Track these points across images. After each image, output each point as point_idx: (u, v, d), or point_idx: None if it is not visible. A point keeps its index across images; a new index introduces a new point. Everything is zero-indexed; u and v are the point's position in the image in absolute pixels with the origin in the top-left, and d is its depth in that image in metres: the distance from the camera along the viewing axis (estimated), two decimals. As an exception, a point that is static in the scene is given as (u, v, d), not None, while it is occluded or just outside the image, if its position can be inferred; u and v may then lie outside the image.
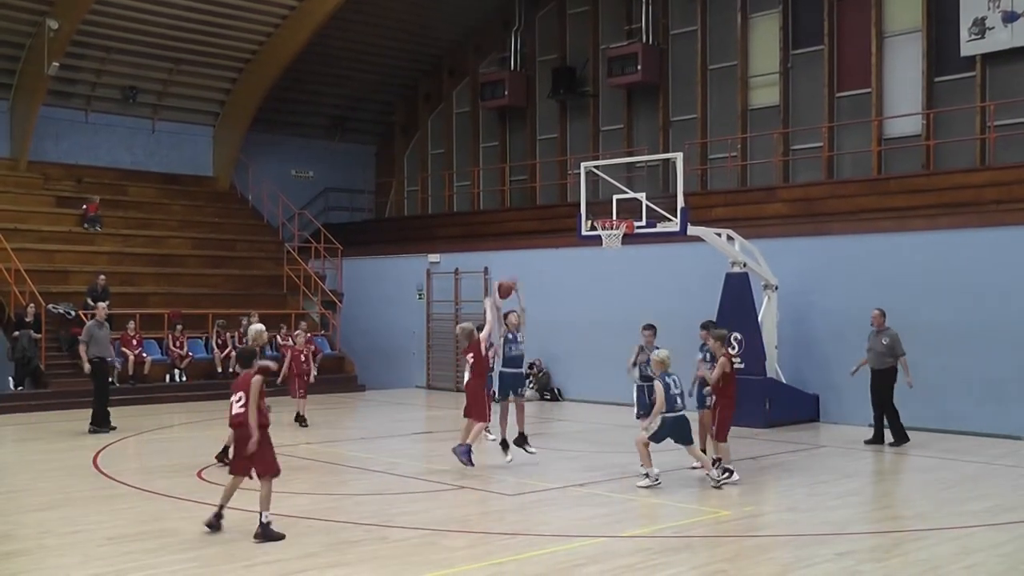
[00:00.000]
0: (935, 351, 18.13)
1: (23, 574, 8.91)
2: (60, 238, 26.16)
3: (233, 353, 23.98)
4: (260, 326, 14.95)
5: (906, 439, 16.28)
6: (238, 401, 10.30)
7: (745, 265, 19.02)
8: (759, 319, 19.08)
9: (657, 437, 12.56)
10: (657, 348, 13.46)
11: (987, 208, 19.18)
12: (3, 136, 27.70)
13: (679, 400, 12.53)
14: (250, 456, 10.17)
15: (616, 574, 8.85)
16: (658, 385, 12.50)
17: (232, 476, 10.51)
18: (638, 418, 14.14)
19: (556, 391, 23.73)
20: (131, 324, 23.29)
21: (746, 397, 18.38)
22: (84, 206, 27.01)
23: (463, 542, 10.02)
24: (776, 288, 19.37)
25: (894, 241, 19.01)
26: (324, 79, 31.57)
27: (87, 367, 17.80)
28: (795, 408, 18.38)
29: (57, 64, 25.97)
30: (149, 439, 17.55)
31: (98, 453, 15.46)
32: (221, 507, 10.37)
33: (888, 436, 16.45)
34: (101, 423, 17.81)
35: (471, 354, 14.01)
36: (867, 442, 16.42)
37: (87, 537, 10.31)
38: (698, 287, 20.46)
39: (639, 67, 26.37)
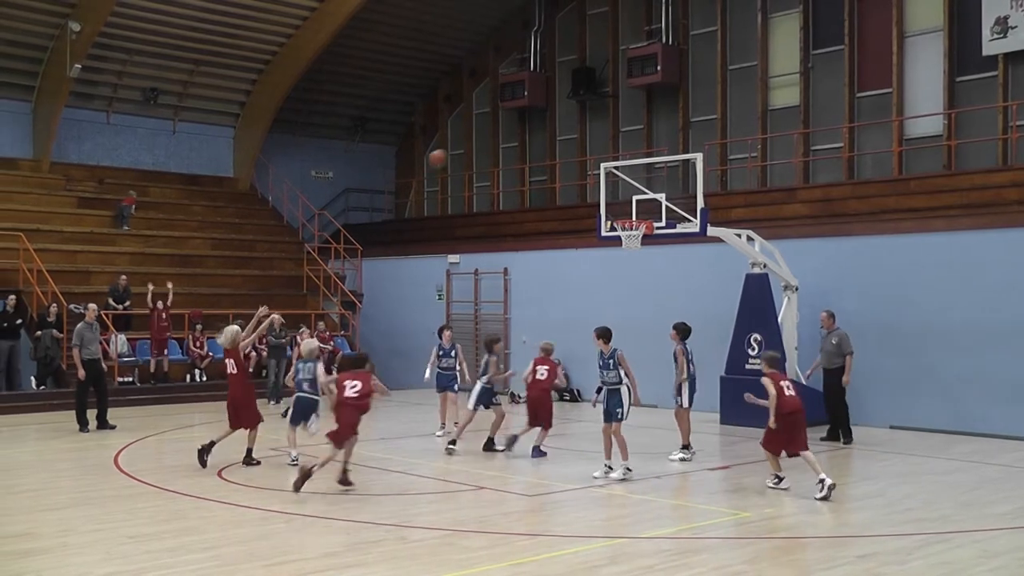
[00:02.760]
0: (956, 352, 18.04)
1: (44, 571, 8.94)
2: (82, 239, 26.30)
3: (253, 354, 24.08)
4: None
5: (851, 439, 16.69)
6: (353, 387, 12.71)
7: (765, 266, 18.95)
8: (779, 320, 19.01)
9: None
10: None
11: (1009, 208, 19.04)
12: (26, 137, 27.87)
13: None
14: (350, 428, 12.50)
15: (636, 575, 8.82)
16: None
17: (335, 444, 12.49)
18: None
19: (575, 392, 23.69)
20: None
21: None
22: (121, 199, 27.43)
23: (483, 542, 10.00)
24: (796, 289, 19.29)
25: (915, 242, 18.90)
26: (344, 80, 31.63)
27: (82, 373, 17.87)
28: (815, 410, 18.21)
29: (79, 66, 26.09)
30: (169, 438, 17.61)
31: (119, 452, 15.51)
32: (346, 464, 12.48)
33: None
34: (83, 422, 18.12)
35: (231, 359, 14.48)
36: (822, 439, 16.66)
37: (108, 535, 10.34)
38: (718, 288, 20.41)
39: (659, 67, 26.31)
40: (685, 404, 14.99)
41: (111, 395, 19.14)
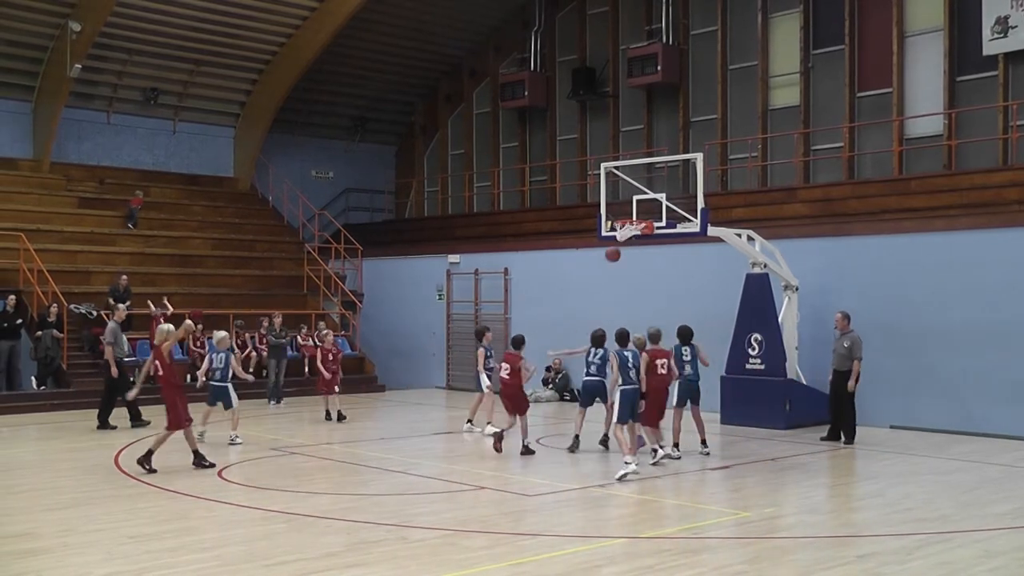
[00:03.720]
0: (956, 352, 18.05)
1: (45, 571, 8.94)
2: (82, 239, 26.30)
3: (253, 354, 24.13)
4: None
5: (853, 440, 16.64)
6: (505, 370, 15.28)
7: (765, 266, 18.96)
8: (779, 320, 19.01)
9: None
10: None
11: (1009, 208, 19.06)
12: (26, 137, 27.89)
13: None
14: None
15: (636, 575, 8.83)
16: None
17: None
18: None
19: (575, 392, 23.69)
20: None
21: (766, 398, 18.47)
22: (129, 200, 27.51)
23: (483, 542, 10.00)
24: (796, 289, 19.29)
25: (915, 241, 18.90)
26: (344, 80, 31.65)
27: (115, 370, 18.04)
28: (815, 409, 18.27)
29: (79, 66, 26.10)
30: (170, 438, 17.57)
31: (119, 452, 15.52)
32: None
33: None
34: (105, 421, 18.37)
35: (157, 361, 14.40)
36: (823, 439, 16.83)
37: (109, 535, 10.35)
38: (718, 288, 20.41)
39: (659, 67, 26.32)
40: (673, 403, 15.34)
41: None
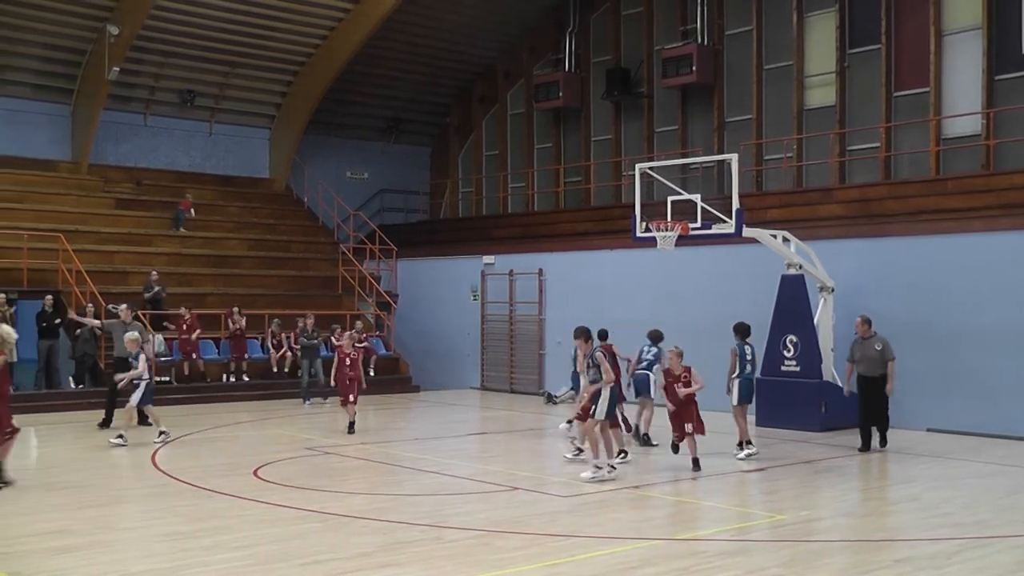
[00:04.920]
0: (995, 354, 17.84)
1: (81, 568, 9.00)
2: (119, 239, 26.52)
3: (288, 353, 24.26)
4: (134, 333, 15.79)
5: (886, 444, 16.22)
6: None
7: (801, 267, 18.83)
8: (815, 321, 18.88)
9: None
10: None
11: (1049, 209, 18.83)
12: (65, 140, 28.17)
13: None
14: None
15: (670, 577, 8.79)
16: None
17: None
18: None
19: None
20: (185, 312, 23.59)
21: (801, 400, 18.33)
22: (178, 202, 27.79)
23: (517, 543, 9.98)
24: (832, 290, 19.15)
25: (953, 243, 18.71)
26: (379, 81, 31.72)
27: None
28: (851, 412, 18.10)
29: (117, 69, 26.33)
30: (206, 437, 17.71)
31: (156, 451, 15.61)
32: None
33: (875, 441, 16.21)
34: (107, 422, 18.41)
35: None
36: (860, 450, 15.94)
37: (144, 533, 10.41)
38: (753, 289, 20.29)
39: (694, 68, 26.19)
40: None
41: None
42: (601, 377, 13.39)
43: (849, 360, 16.49)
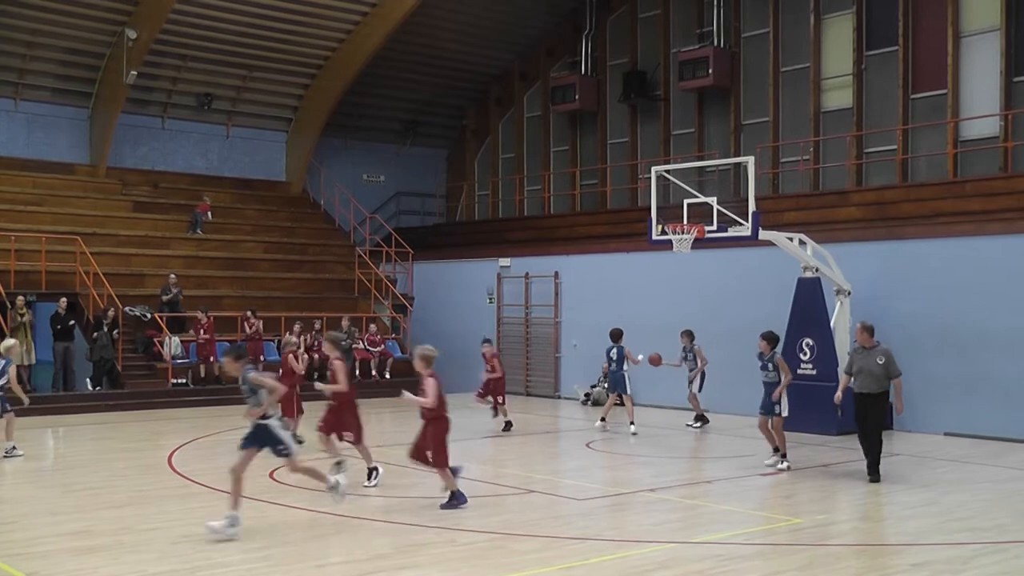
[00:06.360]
0: (1014, 358, 17.77)
1: (102, 568, 9.06)
2: (137, 242, 26.66)
3: (304, 356, 24.28)
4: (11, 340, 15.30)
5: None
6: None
7: (817, 270, 18.79)
8: (831, 324, 18.84)
9: None
10: None
11: (1068, 212, 18.74)
12: (83, 143, 28.34)
13: None
14: None
15: (686, 580, 8.79)
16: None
17: None
18: None
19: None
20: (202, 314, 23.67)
21: (817, 404, 18.24)
22: (196, 205, 27.99)
23: (532, 546, 9.98)
24: (849, 293, 19.10)
25: (971, 245, 18.64)
26: (395, 84, 31.78)
27: None
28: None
29: (135, 73, 26.50)
30: (222, 440, 17.76)
31: (172, 453, 15.68)
32: None
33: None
34: None
35: None
36: (871, 480, 13.60)
37: (163, 534, 10.47)
38: (769, 292, 20.26)
39: (710, 70, 26.15)
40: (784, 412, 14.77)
41: (165, 396, 19.26)
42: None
43: (847, 372, 14.21)
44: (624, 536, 10.50)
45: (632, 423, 18.19)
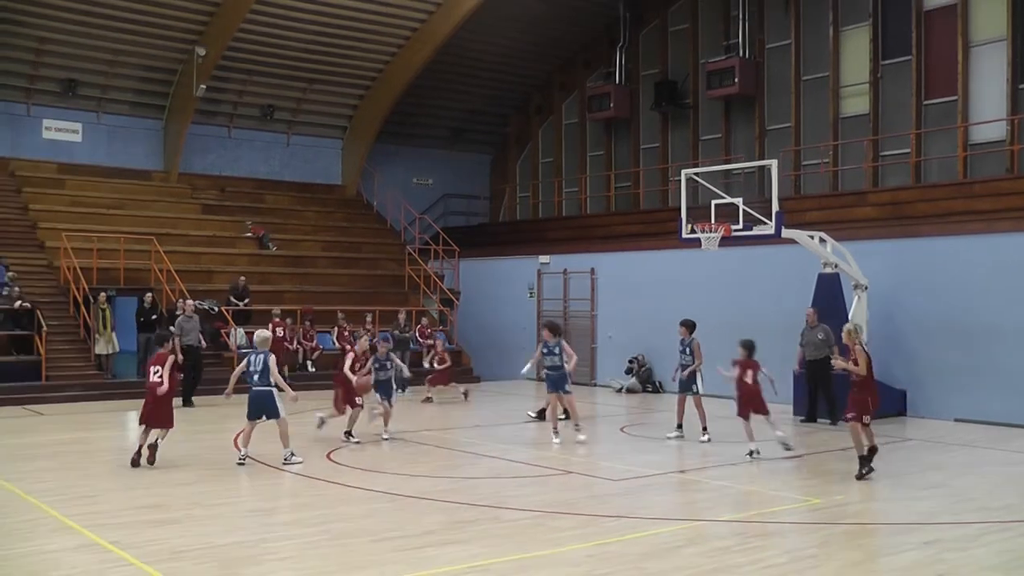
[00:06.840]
0: (1021, 348, 17.59)
1: (174, 539, 9.20)
2: (205, 241, 26.99)
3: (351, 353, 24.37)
4: (267, 333, 14.92)
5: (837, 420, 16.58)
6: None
7: (836, 266, 18.68)
8: (849, 317, 18.70)
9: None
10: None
11: (1072, 210, 18.51)
12: (158, 152, 28.73)
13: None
14: None
15: (713, 556, 8.79)
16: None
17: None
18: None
19: (657, 384, 23.62)
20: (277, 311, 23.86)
21: (836, 392, 18.15)
22: (250, 232, 28.15)
23: (571, 523, 10.04)
24: (866, 288, 18.96)
25: (980, 242, 18.46)
26: (443, 94, 31.89)
27: (179, 356, 18.38)
28: (883, 402, 17.90)
29: (204, 87, 26.83)
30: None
31: (238, 435, 15.83)
32: None
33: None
34: (188, 401, 19.50)
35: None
36: (803, 421, 17.65)
37: (230, 510, 10.63)
38: (791, 287, 20.17)
39: (736, 80, 26.06)
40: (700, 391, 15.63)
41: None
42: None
43: (800, 344, 17.85)
44: (656, 514, 10.53)
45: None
